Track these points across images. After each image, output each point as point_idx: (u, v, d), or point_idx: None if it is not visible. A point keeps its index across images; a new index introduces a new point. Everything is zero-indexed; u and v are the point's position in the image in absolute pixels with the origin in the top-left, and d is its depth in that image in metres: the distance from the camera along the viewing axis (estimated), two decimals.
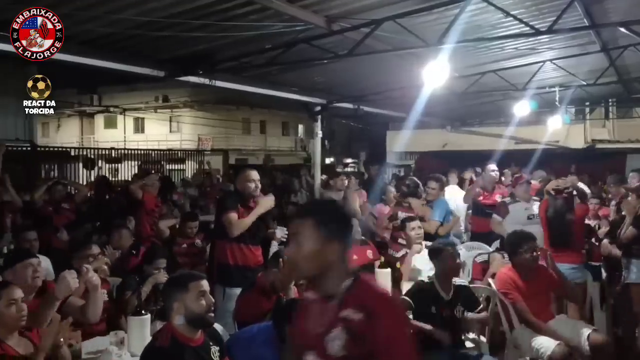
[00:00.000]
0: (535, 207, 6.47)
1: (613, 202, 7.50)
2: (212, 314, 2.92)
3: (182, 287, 2.85)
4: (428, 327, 3.91)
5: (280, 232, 5.06)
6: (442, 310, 4.01)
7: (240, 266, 4.79)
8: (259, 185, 4.97)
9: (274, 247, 5.46)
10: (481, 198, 7.42)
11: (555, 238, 5.60)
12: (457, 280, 4.24)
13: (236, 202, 4.80)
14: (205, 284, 2.93)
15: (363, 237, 5.56)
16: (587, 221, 6.57)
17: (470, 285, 4.78)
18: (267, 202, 4.95)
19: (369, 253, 5.40)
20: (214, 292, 3.97)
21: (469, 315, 4.10)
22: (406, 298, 4.03)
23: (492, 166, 7.69)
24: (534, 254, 4.39)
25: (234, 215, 4.71)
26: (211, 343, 2.93)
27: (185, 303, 2.81)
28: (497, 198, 7.23)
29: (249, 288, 3.94)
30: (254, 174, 4.96)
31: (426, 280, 4.20)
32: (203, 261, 6.29)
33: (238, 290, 4.20)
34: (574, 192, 5.78)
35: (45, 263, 4.44)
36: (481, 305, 4.29)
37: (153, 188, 7.22)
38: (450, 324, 4.01)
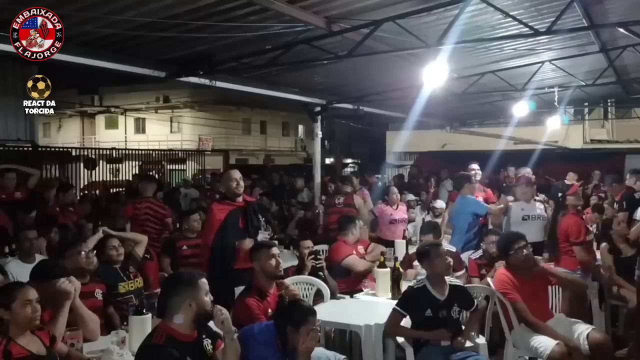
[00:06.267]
0: (536, 208, 6.58)
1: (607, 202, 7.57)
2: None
3: (193, 284, 2.90)
4: (421, 333, 3.95)
5: (261, 236, 5.11)
6: (438, 312, 4.00)
7: (239, 269, 4.86)
8: (241, 183, 5.24)
9: None
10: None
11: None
12: (452, 280, 4.24)
13: None
14: (206, 281, 2.99)
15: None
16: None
17: (470, 285, 4.80)
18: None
19: (360, 249, 5.62)
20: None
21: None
22: (399, 309, 4.00)
23: (474, 166, 7.77)
24: (525, 252, 4.40)
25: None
26: (204, 336, 2.97)
27: (196, 300, 2.86)
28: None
29: (245, 293, 3.96)
30: (234, 173, 5.29)
31: (415, 284, 4.16)
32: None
33: (240, 289, 4.25)
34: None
35: None
36: (476, 304, 4.30)
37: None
38: (448, 325, 4.01)
